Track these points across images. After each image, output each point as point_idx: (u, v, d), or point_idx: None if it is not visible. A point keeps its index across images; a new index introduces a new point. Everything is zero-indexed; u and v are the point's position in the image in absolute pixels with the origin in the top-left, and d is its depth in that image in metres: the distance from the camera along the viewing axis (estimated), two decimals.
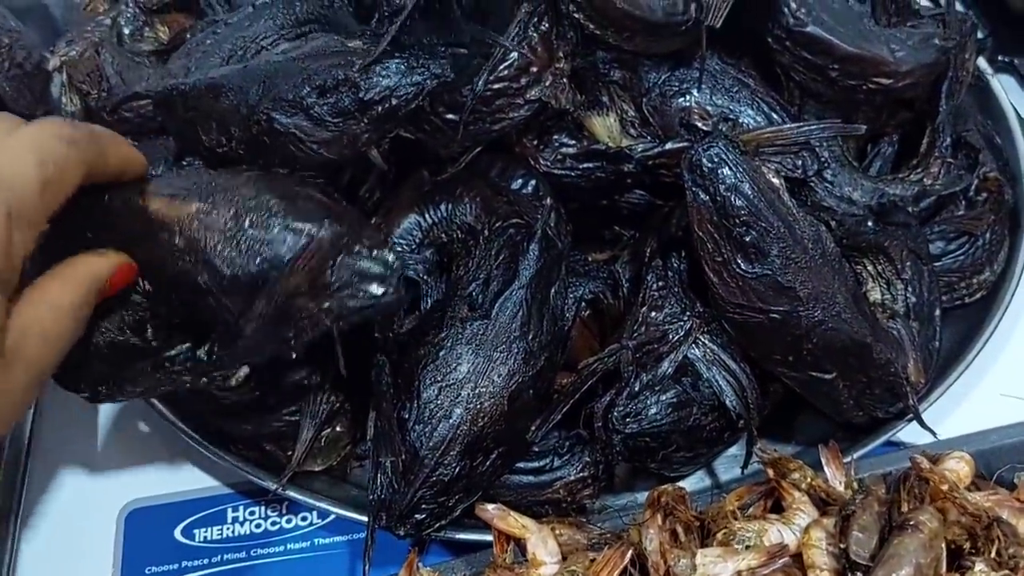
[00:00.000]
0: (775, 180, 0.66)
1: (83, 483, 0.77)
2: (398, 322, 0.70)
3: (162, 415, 0.74)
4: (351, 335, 0.71)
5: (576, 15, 0.69)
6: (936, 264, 0.78)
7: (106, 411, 0.80)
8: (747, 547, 0.53)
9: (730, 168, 0.65)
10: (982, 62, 0.93)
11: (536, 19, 0.70)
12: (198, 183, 0.60)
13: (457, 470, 0.64)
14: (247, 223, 0.57)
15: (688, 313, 0.69)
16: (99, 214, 0.59)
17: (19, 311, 0.49)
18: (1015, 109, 0.92)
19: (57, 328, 0.51)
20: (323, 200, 0.60)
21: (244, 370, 0.64)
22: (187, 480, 0.77)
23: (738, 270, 0.65)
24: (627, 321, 0.71)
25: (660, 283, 0.71)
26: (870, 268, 0.74)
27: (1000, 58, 1.04)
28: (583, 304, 0.74)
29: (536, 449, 0.69)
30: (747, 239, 0.65)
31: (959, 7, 0.89)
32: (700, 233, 0.66)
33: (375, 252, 0.58)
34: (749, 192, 0.65)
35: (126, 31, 0.87)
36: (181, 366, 0.61)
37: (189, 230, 0.57)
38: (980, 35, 1.05)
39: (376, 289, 0.57)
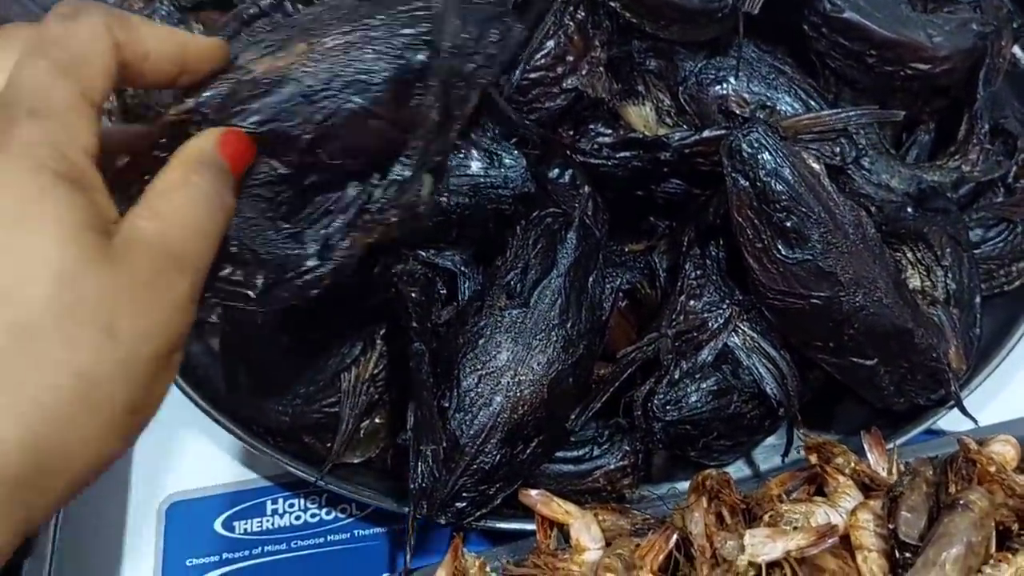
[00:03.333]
0: (815, 165, 0.66)
1: (123, 477, 0.78)
2: (436, 312, 0.70)
3: (201, 407, 0.75)
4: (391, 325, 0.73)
5: (612, 3, 0.69)
6: (975, 251, 0.78)
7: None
8: (795, 528, 0.53)
9: (770, 153, 0.64)
10: (1018, 50, 0.92)
11: (572, 8, 0.70)
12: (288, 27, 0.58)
13: (498, 458, 0.64)
14: (368, 28, 0.56)
15: (727, 301, 0.69)
16: None
17: (143, 207, 0.41)
18: None
19: (188, 202, 0.42)
20: None
21: (428, 177, 0.59)
22: (227, 473, 0.77)
23: (779, 256, 0.65)
24: (665, 310, 0.70)
25: (698, 271, 0.71)
26: (909, 255, 0.73)
27: None
28: (620, 294, 0.73)
29: (576, 438, 0.69)
30: (788, 224, 0.64)
31: None
32: (740, 219, 0.66)
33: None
34: (789, 177, 0.64)
35: None
36: (382, 201, 0.57)
37: (307, 71, 0.55)
38: (1017, 23, 1.05)
39: (500, 31, 0.58)
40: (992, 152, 0.78)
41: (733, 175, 0.65)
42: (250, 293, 0.55)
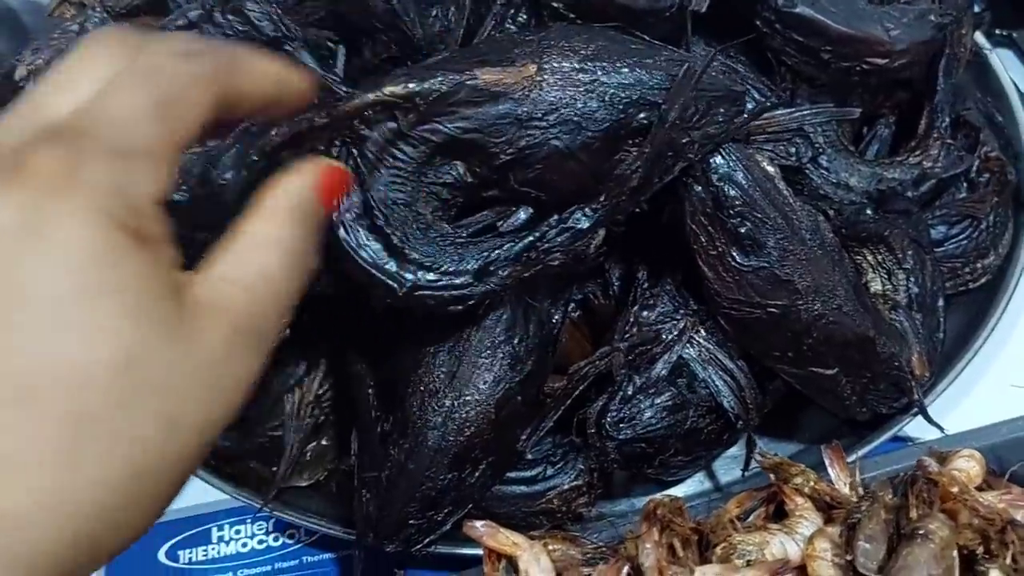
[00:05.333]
0: (770, 168, 0.63)
1: None
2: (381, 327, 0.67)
3: None
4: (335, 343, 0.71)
5: (555, 4, 0.66)
6: (938, 250, 0.76)
7: None
8: (748, 562, 0.50)
9: (722, 157, 0.62)
10: (979, 37, 0.89)
11: (513, 11, 0.67)
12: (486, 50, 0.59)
13: (445, 482, 0.61)
14: (599, 71, 0.56)
15: (682, 311, 0.67)
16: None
17: (226, 263, 0.36)
18: (1015, 85, 0.89)
19: (277, 263, 0.37)
20: (642, 39, 0.61)
21: (602, 232, 0.60)
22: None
23: (734, 263, 0.62)
24: (618, 321, 0.68)
25: (651, 280, 0.68)
26: (870, 258, 0.71)
27: (998, 32, 1.01)
28: (572, 304, 0.71)
29: (528, 457, 0.66)
30: (742, 231, 0.62)
31: None
32: (693, 226, 0.63)
33: (717, 76, 0.60)
34: (743, 181, 0.62)
35: None
36: (551, 243, 0.58)
37: (530, 95, 0.56)
38: (977, 8, 1.03)
39: (730, 111, 0.59)
40: (954, 147, 0.75)
41: (685, 180, 0.62)
42: (395, 286, 0.56)
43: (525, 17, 0.68)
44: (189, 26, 0.67)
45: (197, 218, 0.66)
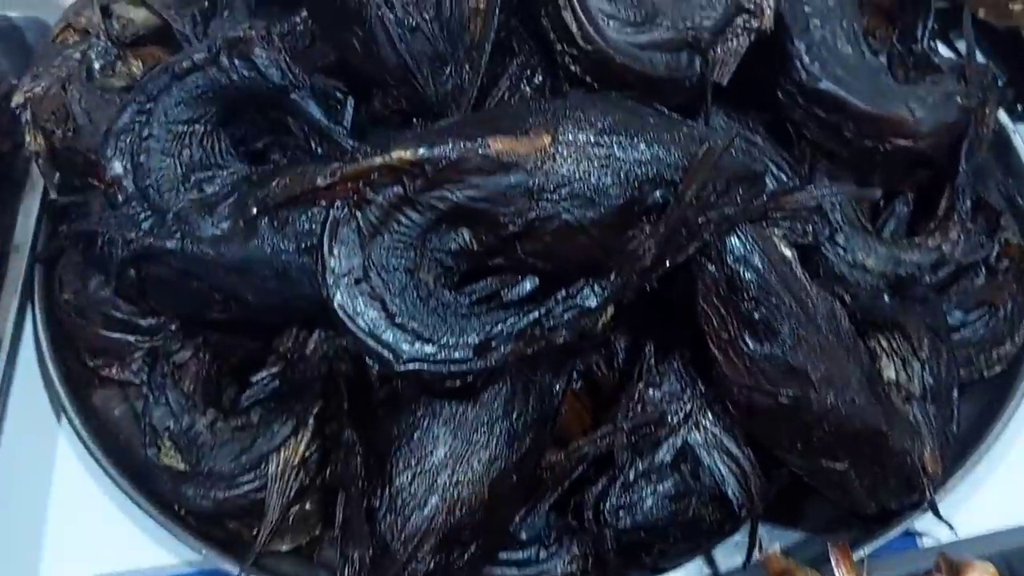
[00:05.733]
0: (787, 251, 0.61)
1: (33, 558, 0.71)
2: (374, 394, 0.65)
3: (119, 484, 0.69)
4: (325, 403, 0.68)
5: (573, 68, 0.64)
6: (954, 336, 0.73)
7: (62, 483, 0.74)
8: None
9: (739, 238, 0.59)
10: (1003, 116, 0.87)
11: (529, 72, 0.65)
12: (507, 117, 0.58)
13: (432, 564, 0.58)
14: (615, 146, 0.54)
15: (689, 392, 0.64)
16: None
17: None
18: None
19: None
20: (662, 113, 0.59)
21: (611, 310, 0.58)
22: (148, 557, 0.71)
23: (745, 349, 0.60)
24: (623, 398, 0.65)
25: (659, 356, 0.66)
26: (885, 344, 0.68)
27: (1020, 107, 0.99)
28: (575, 375, 0.68)
29: (522, 536, 0.63)
30: (756, 316, 0.59)
31: (979, 57, 0.84)
32: (705, 307, 0.60)
33: (737, 155, 0.58)
34: (760, 265, 0.59)
35: (96, 65, 0.82)
36: (557, 319, 0.56)
37: (543, 167, 0.54)
38: (999, 82, 1.01)
39: (749, 192, 0.57)
40: (974, 231, 0.73)
41: (700, 259, 0.60)
42: (391, 358, 0.54)
43: (541, 79, 0.66)
44: (194, 69, 0.64)
45: (187, 265, 0.64)
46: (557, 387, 0.65)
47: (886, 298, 0.67)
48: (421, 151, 0.54)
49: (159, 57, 0.84)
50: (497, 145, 0.55)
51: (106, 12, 0.83)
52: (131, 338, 0.76)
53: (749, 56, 0.66)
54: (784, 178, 0.69)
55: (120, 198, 0.66)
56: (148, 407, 0.71)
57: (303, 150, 0.68)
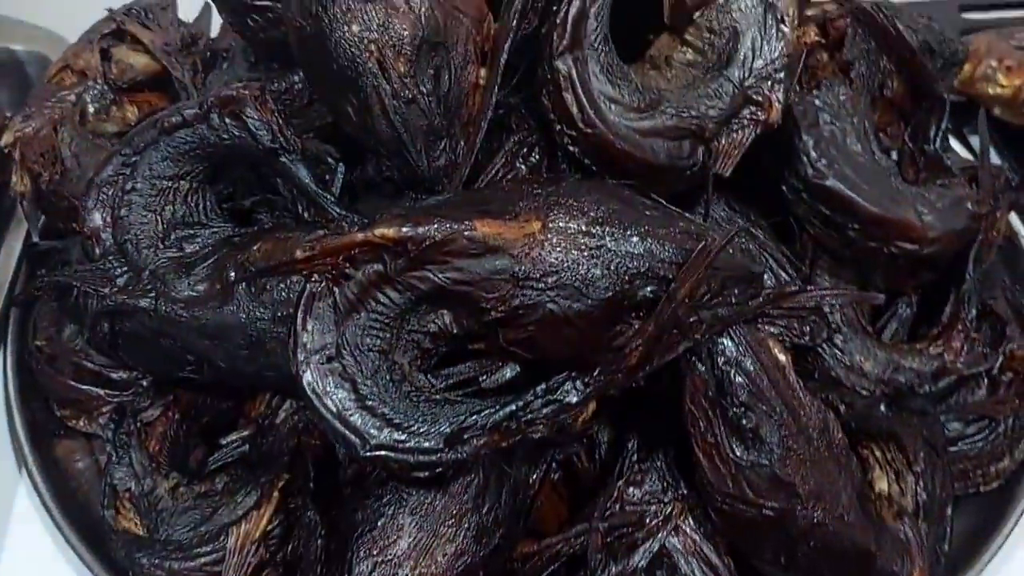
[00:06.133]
0: (781, 357, 0.58)
1: None
2: (342, 471, 0.62)
3: (73, 546, 0.67)
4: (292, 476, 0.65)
5: (572, 148, 0.62)
6: (951, 448, 0.70)
7: (18, 535, 0.71)
8: None
9: (731, 339, 0.57)
10: (1015, 219, 0.85)
11: (526, 150, 0.63)
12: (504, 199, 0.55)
13: None
14: (607, 237, 0.52)
15: (671, 494, 0.61)
16: None
17: None
18: None
19: None
20: (659, 205, 0.57)
21: (592, 406, 0.56)
22: None
23: (731, 455, 0.57)
24: (601, 494, 0.62)
25: (642, 453, 0.63)
26: (879, 454, 0.66)
27: None
28: (554, 465, 0.65)
29: None
30: (744, 422, 0.57)
31: (993, 155, 0.83)
32: (692, 407, 0.58)
33: (740, 253, 0.56)
34: (752, 368, 0.57)
35: (90, 109, 0.80)
36: (534, 414, 0.54)
37: (530, 253, 0.52)
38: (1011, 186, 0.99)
39: (745, 293, 0.55)
40: (978, 342, 0.70)
41: (689, 358, 0.58)
42: (358, 442, 0.52)
43: (538, 158, 0.64)
44: (183, 124, 0.63)
45: (160, 325, 0.61)
46: (533, 478, 0.63)
47: (882, 408, 0.65)
48: (404, 229, 0.52)
49: (155, 104, 0.83)
50: (484, 228, 0.53)
51: (105, 55, 0.82)
52: (100, 391, 0.73)
53: (756, 146, 0.64)
54: (784, 276, 0.66)
55: (97, 251, 0.64)
56: (110, 466, 0.69)
57: (291, 212, 0.66)
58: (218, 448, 0.71)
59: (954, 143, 0.93)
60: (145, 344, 0.65)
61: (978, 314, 0.73)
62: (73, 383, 0.74)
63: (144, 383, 0.72)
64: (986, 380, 0.73)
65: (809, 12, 0.73)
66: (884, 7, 0.73)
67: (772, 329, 0.63)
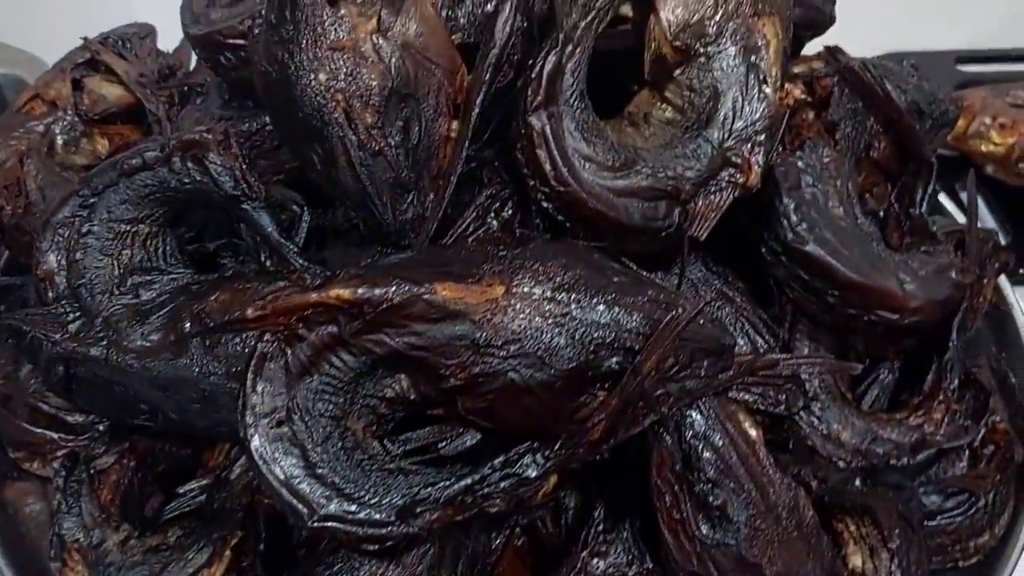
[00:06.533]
0: (752, 432, 0.56)
1: None
2: (295, 534, 0.60)
3: None
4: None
5: (546, 204, 0.60)
6: (929, 523, 0.68)
7: None
8: None
9: (700, 413, 0.55)
10: (1004, 284, 0.84)
11: (498, 204, 0.61)
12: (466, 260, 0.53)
13: None
14: (572, 304, 0.50)
15: (636, 567, 0.59)
16: None
17: None
18: None
19: None
20: (629, 271, 0.55)
21: (553, 479, 0.53)
22: None
23: (697, 533, 0.55)
24: (564, 565, 0.60)
25: (608, 523, 0.61)
26: (853, 529, 0.64)
27: (1022, 271, 0.95)
28: (517, 529, 0.63)
29: None
30: (711, 499, 0.55)
31: (984, 210, 0.81)
32: (659, 481, 0.56)
33: (710, 324, 0.54)
34: (720, 443, 0.55)
35: (59, 141, 0.79)
36: (492, 487, 0.52)
37: (492, 320, 0.50)
38: (1002, 241, 0.97)
39: (715, 366, 0.52)
40: (959, 413, 0.68)
41: (656, 430, 0.56)
42: (305, 512, 0.50)
43: (511, 212, 0.62)
44: (144, 167, 0.61)
45: (111, 374, 0.59)
46: (496, 544, 0.61)
47: (857, 483, 0.62)
48: (360, 291, 0.50)
49: (128, 136, 0.81)
50: (445, 291, 0.51)
51: (77, 85, 0.80)
52: (55, 435, 0.71)
53: (736, 207, 0.63)
54: (760, 342, 0.64)
55: (51, 294, 0.62)
56: (59, 515, 0.66)
57: (254, 258, 0.64)
58: (175, 497, 0.68)
59: (945, 200, 0.92)
60: (99, 390, 0.62)
61: (961, 384, 0.71)
62: (27, 426, 0.71)
63: (100, 428, 0.69)
64: (967, 452, 0.71)
65: (796, 69, 0.71)
66: (873, 66, 0.71)
67: (747, 397, 0.61)
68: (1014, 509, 0.71)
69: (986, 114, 0.97)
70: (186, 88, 0.81)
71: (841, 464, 0.65)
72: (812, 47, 0.94)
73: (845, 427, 0.66)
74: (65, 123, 0.79)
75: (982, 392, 0.72)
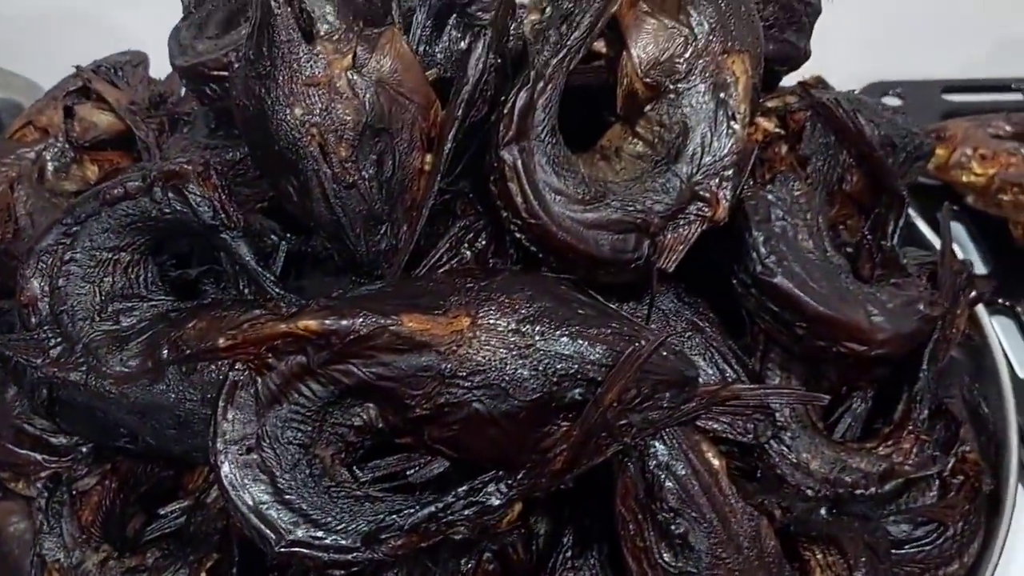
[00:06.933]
0: (715, 461, 0.57)
1: None
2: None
3: None
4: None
5: (519, 235, 0.62)
6: (898, 551, 0.69)
7: None
8: None
9: (664, 443, 0.56)
10: (981, 313, 0.85)
11: (472, 235, 0.62)
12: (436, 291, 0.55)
13: None
14: (537, 336, 0.52)
15: None
16: None
17: None
18: (1011, 368, 0.84)
19: None
20: (595, 303, 0.57)
21: (518, 507, 0.55)
22: None
23: (660, 560, 0.56)
24: None
25: (576, 548, 0.62)
26: (819, 557, 0.64)
27: (1000, 301, 0.96)
28: (488, 555, 0.64)
29: None
30: (673, 528, 0.56)
31: (959, 250, 0.82)
32: (623, 510, 0.57)
33: (673, 356, 0.55)
34: (683, 473, 0.56)
35: (50, 167, 0.80)
36: (456, 515, 0.53)
37: (457, 351, 0.51)
38: (985, 270, 0.98)
39: (678, 397, 0.54)
40: (928, 444, 0.69)
41: (621, 459, 0.57)
42: (272, 538, 0.51)
43: (484, 243, 0.63)
44: (125, 197, 0.62)
45: (90, 399, 0.61)
46: (464, 570, 0.62)
47: (823, 512, 0.63)
48: (328, 322, 0.51)
49: (118, 163, 0.83)
50: (411, 323, 0.52)
51: (69, 113, 0.82)
52: (39, 456, 0.72)
53: (707, 238, 0.64)
54: (729, 372, 0.65)
55: (33, 320, 0.63)
56: (41, 535, 0.67)
57: (234, 286, 0.66)
58: (156, 518, 0.69)
59: (925, 230, 0.93)
60: (81, 413, 0.64)
61: (931, 414, 0.71)
62: (12, 447, 0.72)
63: (84, 450, 0.71)
64: (937, 482, 0.72)
65: (770, 104, 0.72)
66: (847, 100, 0.73)
67: (716, 426, 0.62)
68: (984, 539, 0.72)
69: (967, 145, 0.98)
70: (175, 116, 0.83)
71: (810, 493, 0.66)
72: (806, 73, 0.96)
73: (815, 456, 0.67)
74: (56, 150, 0.81)
75: (953, 422, 0.73)
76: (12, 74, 1.04)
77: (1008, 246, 0.97)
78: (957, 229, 1.03)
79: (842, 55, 1.08)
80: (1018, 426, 0.78)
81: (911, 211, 0.91)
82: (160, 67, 0.89)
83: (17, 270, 0.73)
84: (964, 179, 0.98)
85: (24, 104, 1.00)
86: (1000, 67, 1.20)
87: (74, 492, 0.69)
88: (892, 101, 1.17)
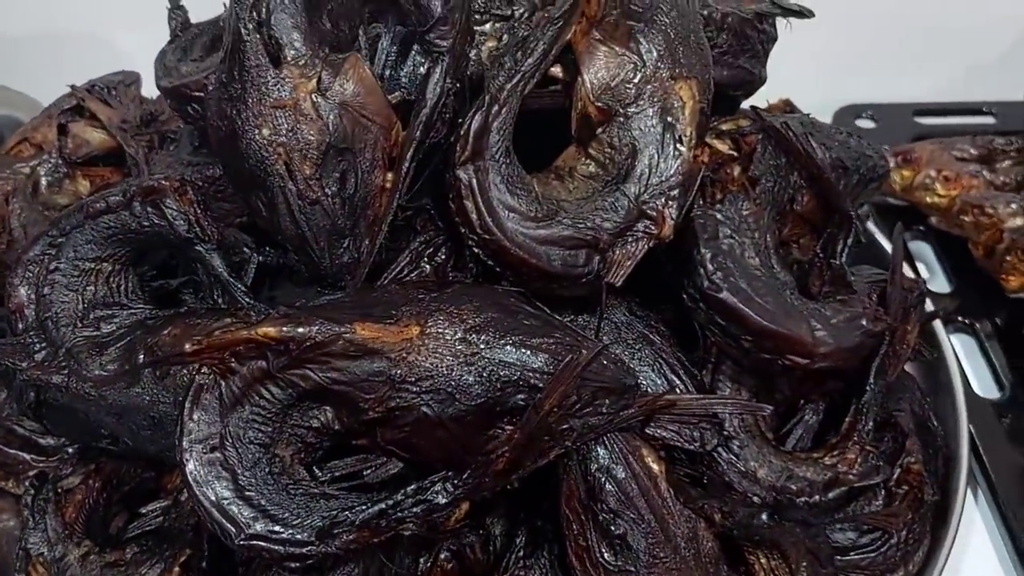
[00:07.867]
0: (654, 466, 0.60)
1: None
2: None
3: None
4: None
5: (477, 250, 0.65)
6: (843, 558, 0.72)
7: None
8: None
9: (605, 447, 0.59)
10: (940, 331, 0.87)
11: (432, 250, 0.66)
12: (388, 302, 0.59)
13: None
14: (482, 345, 0.56)
15: None
16: None
17: None
18: (967, 384, 0.87)
19: None
20: (541, 314, 0.60)
21: (465, 505, 0.58)
22: None
23: (601, 560, 0.59)
24: None
25: (528, 548, 0.65)
26: (763, 561, 0.67)
27: (961, 319, 0.99)
28: (446, 555, 0.67)
29: None
30: (613, 528, 0.59)
31: (924, 270, 0.84)
32: (567, 510, 0.60)
33: (613, 365, 0.59)
34: (622, 476, 0.59)
35: (43, 182, 0.84)
36: (405, 512, 0.56)
37: (407, 358, 0.55)
38: (948, 288, 1.01)
39: (617, 404, 0.58)
40: (872, 455, 0.72)
41: (566, 462, 0.60)
42: (232, 531, 0.55)
43: (444, 257, 0.67)
44: (107, 211, 0.66)
45: (72, 401, 0.64)
46: (421, 568, 0.65)
47: (764, 518, 0.66)
48: (285, 329, 0.55)
49: (109, 178, 0.87)
50: (364, 331, 0.56)
51: (63, 130, 0.86)
52: (27, 456, 0.76)
53: (659, 254, 0.67)
54: (677, 382, 0.68)
55: (20, 326, 0.67)
56: (27, 530, 0.71)
57: (209, 295, 0.69)
58: (137, 516, 0.73)
59: (889, 247, 0.95)
60: (65, 415, 0.68)
61: (878, 426, 0.74)
62: (2, 447, 0.76)
63: (70, 450, 0.74)
64: (883, 491, 0.74)
65: (724, 127, 0.76)
66: (800, 123, 0.76)
67: (665, 434, 0.65)
68: (929, 548, 0.75)
69: (932, 167, 1.01)
70: (164, 133, 0.87)
71: (756, 500, 0.69)
72: (802, 96, 0.99)
73: (762, 464, 0.70)
74: (50, 165, 0.85)
75: (900, 434, 0.76)
76: (15, 92, 1.09)
77: (970, 265, 1.00)
78: (923, 249, 1.06)
79: (817, 78, 1.12)
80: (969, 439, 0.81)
81: (875, 230, 0.94)
82: (153, 87, 0.93)
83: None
84: (928, 200, 1.01)
85: (25, 121, 1.04)
86: (970, 91, 1.23)
87: (59, 490, 0.72)
88: (865, 123, 1.20)
